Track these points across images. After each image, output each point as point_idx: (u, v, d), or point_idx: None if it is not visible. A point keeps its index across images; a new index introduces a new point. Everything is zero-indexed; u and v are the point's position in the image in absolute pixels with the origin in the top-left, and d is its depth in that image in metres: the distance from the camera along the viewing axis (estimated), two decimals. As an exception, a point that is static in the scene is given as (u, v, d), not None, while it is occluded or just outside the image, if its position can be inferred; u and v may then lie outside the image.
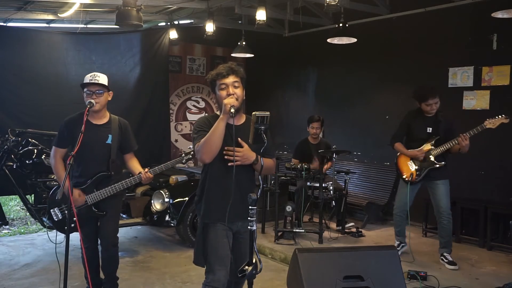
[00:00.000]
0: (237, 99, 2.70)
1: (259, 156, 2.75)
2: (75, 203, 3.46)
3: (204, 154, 2.66)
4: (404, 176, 4.84)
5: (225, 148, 2.69)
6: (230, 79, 2.74)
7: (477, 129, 4.46)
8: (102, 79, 3.59)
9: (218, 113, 2.87)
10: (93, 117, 3.57)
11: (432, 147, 4.70)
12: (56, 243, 3.49)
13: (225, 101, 2.65)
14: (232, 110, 2.59)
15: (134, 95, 7.46)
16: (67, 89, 6.59)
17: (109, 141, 3.62)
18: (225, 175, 2.72)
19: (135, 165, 3.78)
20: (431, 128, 4.76)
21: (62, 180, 3.40)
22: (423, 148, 4.73)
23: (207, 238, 2.80)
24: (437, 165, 4.67)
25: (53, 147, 3.65)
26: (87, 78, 3.55)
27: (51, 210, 3.85)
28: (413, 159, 4.79)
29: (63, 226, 3.83)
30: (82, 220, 3.51)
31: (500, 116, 4.45)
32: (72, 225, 3.41)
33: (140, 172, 3.66)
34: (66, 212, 3.61)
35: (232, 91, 2.72)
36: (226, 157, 2.69)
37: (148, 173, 3.64)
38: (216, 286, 2.74)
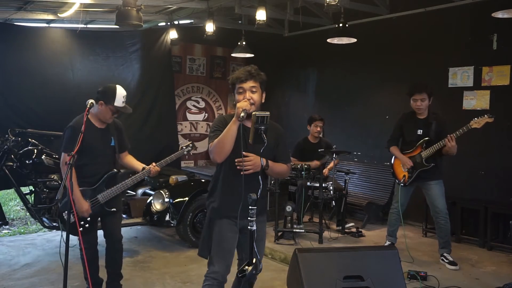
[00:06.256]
0: (252, 104, 2.76)
1: (269, 161, 2.80)
2: (82, 214, 3.60)
3: (215, 154, 2.74)
4: (397, 179, 4.94)
5: (236, 160, 2.74)
6: (248, 84, 2.81)
7: (463, 129, 4.48)
8: None
9: None
10: (97, 121, 3.70)
11: (422, 149, 4.75)
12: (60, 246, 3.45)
13: (238, 104, 2.72)
14: (242, 114, 2.62)
15: (139, 92, 7.34)
16: (72, 81, 6.57)
17: (113, 143, 3.80)
18: (236, 176, 2.76)
19: (134, 161, 3.94)
20: (421, 130, 4.79)
21: (71, 186, 3.42)
22: (412, 153, 4.80)
23: (212, 231, 2.89)
24: (427, 167, 4.71)
25: (62, 153, 3.58)
26: (120, 100, 3.66)
27: (64, 212, 3.79)
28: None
29: (74, 228, 3.77)
30: (91, 219, 3.70)
31: (485, 116, 4.48)
32: (81, 229, 3.56)
33: (144, 168, 3.80)
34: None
35: (249, 96, 2.79)
36: (238, 167, 2.73)
37: (156, 166, 3.80)
38: (216, 277, 2.84)
